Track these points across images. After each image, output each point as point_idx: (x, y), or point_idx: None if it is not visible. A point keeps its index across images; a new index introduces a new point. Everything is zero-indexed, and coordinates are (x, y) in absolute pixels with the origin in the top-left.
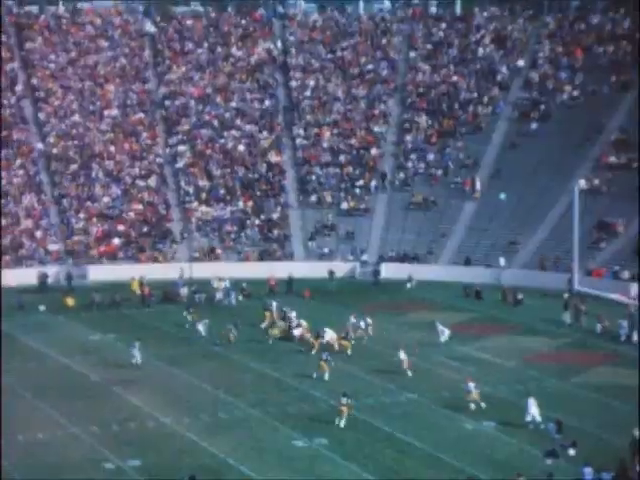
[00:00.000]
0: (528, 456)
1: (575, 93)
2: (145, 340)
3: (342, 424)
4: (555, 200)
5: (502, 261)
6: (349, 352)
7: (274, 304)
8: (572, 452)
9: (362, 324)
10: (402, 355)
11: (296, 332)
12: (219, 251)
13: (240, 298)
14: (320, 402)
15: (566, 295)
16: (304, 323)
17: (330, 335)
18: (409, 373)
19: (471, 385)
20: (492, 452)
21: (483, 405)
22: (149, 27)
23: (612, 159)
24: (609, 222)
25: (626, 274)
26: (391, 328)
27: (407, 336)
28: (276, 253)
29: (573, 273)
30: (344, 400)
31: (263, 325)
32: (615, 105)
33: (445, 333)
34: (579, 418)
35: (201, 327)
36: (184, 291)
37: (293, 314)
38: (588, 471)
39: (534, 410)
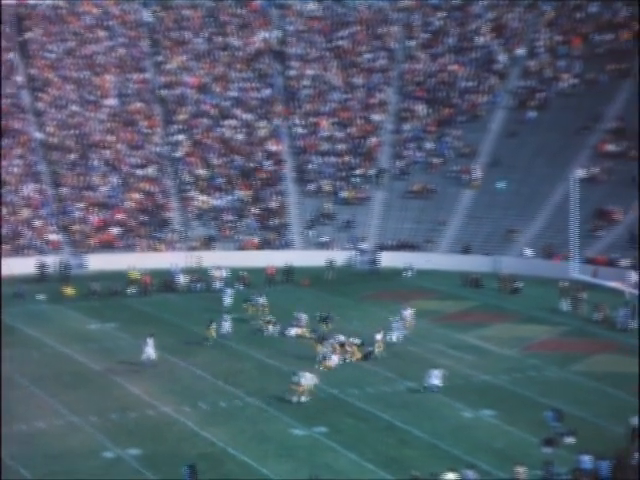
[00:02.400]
0: (527, 444)
1: (573, 82)
2: (144, 329)
3: (303, 399)
4: (553, 188)
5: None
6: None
7: (260, 300)
8: (570, 440)
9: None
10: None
11: (292, 332)
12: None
13: (241, 287)
14: (319, 391)
15: (565, 283)
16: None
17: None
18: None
19: (308, 376)
20: (491, 440)
21: (304, 399)
22: (147, 17)
23: (610, 147)
24: (607, 210)
25: (624, 262)
26: (390, 317)
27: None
28: (275, 242)
29: (571, 261)
30: (295, 379)
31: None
32: (613, 93)
33: (395, 328)
34: (578, 406)
35: (227, 325)
36: (180, 279)
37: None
38: (586, 459)
39: (435, 380)
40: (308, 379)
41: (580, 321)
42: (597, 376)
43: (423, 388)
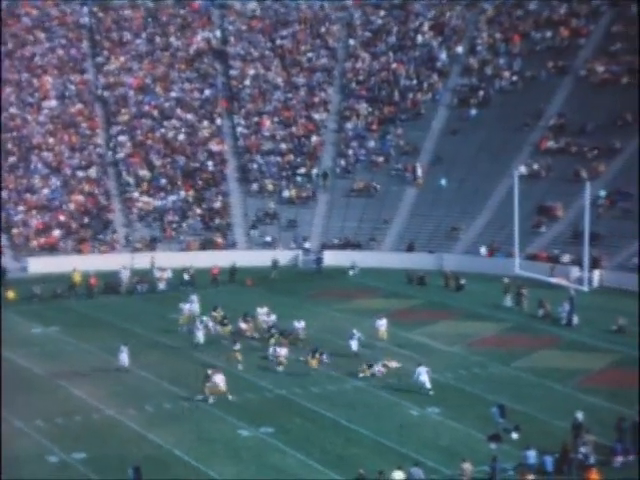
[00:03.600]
0: (472, 441)
1: (513, 79)
2: (88, 332)
3: (211, 400)
4: (495, 185)
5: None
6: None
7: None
8: (515, 436)
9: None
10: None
11: (243, 326)
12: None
13: (186, 277)
14: (265, 391)
15: (506, 280)
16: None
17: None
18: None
19: (219, 377)
20: (437, 437)
21: (230, 397)
22: (87, 18)
23: (550, 144)
24: (548, 206)
25: (566, 258)
26: (335, 315)
27: (351, 323)
28: (218, 242)
29: (514, 257)
30: (209, 383)
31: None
32: (553, 90)
33: (355, 337)
34: (522, 402)
35: (200, 334)
36: (125, 276)
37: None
38: (531, 454)
39: (424, 377)
40: (218, 380)
41: (524, 317)
42: (541, 371)
43: (420, 389)
